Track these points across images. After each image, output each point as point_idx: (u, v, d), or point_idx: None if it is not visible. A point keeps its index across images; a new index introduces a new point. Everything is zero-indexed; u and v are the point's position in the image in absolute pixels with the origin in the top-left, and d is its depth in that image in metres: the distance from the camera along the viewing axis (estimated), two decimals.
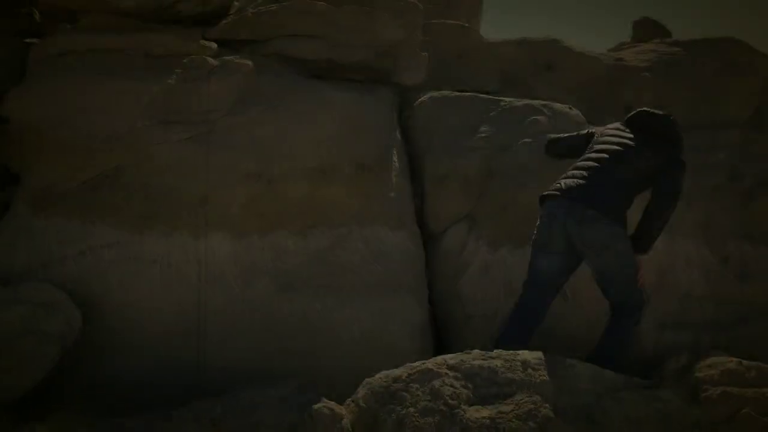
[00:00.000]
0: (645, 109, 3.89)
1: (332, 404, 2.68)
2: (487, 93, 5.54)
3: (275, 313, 3.55)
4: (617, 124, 3.88)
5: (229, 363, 3.41)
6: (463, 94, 4.64)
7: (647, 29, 6.92)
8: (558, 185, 3.66)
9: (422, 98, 4.70)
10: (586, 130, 4.04)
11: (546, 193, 3.69)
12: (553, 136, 4.17)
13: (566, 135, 4.09)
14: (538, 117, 4.45)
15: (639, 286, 3.53)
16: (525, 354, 2.80)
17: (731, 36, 5.53)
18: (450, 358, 2.80)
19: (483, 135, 4.39)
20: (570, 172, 3.70)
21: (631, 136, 3.72)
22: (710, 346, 3.77)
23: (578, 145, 3.92)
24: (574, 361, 2.80)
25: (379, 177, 4.14)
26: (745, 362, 3.45)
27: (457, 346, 3.98)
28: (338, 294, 3.68)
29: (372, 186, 4.08)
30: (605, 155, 3.66)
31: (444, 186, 4.28)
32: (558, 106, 4.57)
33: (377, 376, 2.77)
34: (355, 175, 4.03)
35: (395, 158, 4.36)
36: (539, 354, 2.81)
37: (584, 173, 3.62)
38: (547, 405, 2.52)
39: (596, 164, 3.64)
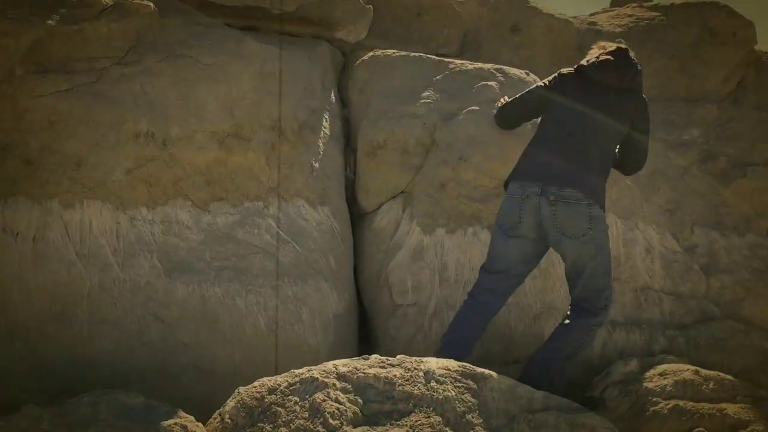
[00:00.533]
0: (620, 47, 3.22)
1: (188, 420, 2.20)
2: (446, 56, 5.05)
3: (163, 297, 3.05)
4: (579, 75, 3.22)
5: (104, 356, 2.91)
6: (409, 54, 4.10)
7: None
8: (529, 159, 3.16)
9: (363, 58, 4.16)
10: (537, 84, 3.45)
11: (517, 168, 3.19)
12: (501, 101, 3.63)
13: (516, 97, 3.50)
14: (490, 83, 3.92)
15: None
16: (431, 363, 2.31)
17: (715, 0, 5.00)
18: (342, 364, 2.32)
19: (426, 101, 3.86)
20: (539, 143, 3.20)
21: (605, 91, 3.15)
22: (665, 350, 3.31)
23: (534, 106, 3.37)
24: (488, 373, 2.33)
25: (304, 144, 3.62)
26: (703, 371, 3.01)
27: (384, 340, 3.52)
28: (243, 278, 3.18)
29: (294, 154, 3.56)
30: (582, 120, 3.12)
31: (378, 157, 3.76)
32: (513, 71, 4.04)
33: (253, 384, 2.29)
34: (275, 140, 3.51)
35: (326, 123, 3.84)
36: (448, 363, 2.33)
37: (559, 144, 3.11)
38: (447, 430, 2.04)
39: (572, 132, 3.11)
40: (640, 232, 3.77)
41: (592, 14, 5.60)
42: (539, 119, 3.35)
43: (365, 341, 3.72)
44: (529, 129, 3.59)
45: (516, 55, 5.06)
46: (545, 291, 3.48)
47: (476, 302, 3.13)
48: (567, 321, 3.03)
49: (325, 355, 3.21)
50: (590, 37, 4.89)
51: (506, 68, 4.07)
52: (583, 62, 3.21)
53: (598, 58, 3.18)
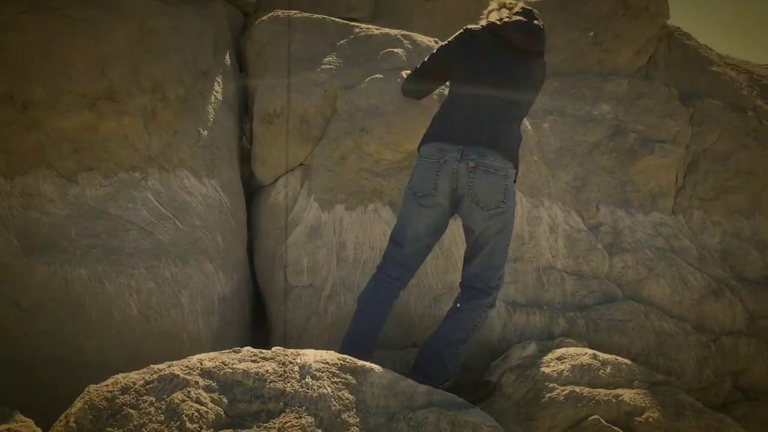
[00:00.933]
0: (526, 7, 3.04)
1: (25, 425, 1.91)
2: (356, 20, 4.79)
3: (20, 279, 2.71)
4: (489, 34, 3.00)
5: None
6: (311, 15, 3.81)
7: None
8: (446, 118, 2.97)
9: (262, 18, 3.85)
10: (441, 44, 3.20)
11: (432, 127, 2.99)
12: (408, 72, 3.42)
13: (422, 61, 3.26)
14: (396, 50, 3.69)
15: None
16: (308, 356, 2.10)
17: None
18: (209, 359, 2.08)
19: (327, 67, 3.60)
20: (455, 102, 3.00)
21: (517, 53, 2.98)
22: (565, 332, 3.23)
23: (443, 68, 3.13)
24: (369, 367, 2.13)
25: (190, 110, 3.31)
26: (601, 355, 2.93)
27: (277, 324, 3.30)
28: (114, 258, 2.86)
29: (178, 121, 3.24)
30: (496, 78, 2.94)
31: (275, 126, 3.48)
32: (421, 38, 3.82)
33: (105, 382, 2.02)
34: (157, 105, 3.17)
35: (218, 88, 3.53)
36: (327, 356, 2.12)
37: (476, 102, 2.93)
38: (319, 431, 1.84)
39: (487, 91, 2.93)
40: (545, 210, 3.66)
41: None
42: (449, 83, 3.15)
43: (264, 326, 3.49)
44: (435, 101, 3.41)
45: (430, 23, 4.85)
46: (447, 271, 3.32)
47: (387, 278, 2.94)
48: (459, 303, 2.87)
49: (209, 342, 2.97)
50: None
51: (414, 35, 3.85)
52: (493, 20, 3.01)
53: (509, 18, 3.00)
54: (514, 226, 3.42)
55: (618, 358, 2.90)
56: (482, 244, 2.89)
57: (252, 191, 3.66)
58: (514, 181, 2.92)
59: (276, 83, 3.54)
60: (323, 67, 3.60)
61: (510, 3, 3.07)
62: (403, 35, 3.81)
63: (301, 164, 3.49)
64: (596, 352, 2.91)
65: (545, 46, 3.06)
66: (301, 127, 3.49)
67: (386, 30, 3.85)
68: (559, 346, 3.01)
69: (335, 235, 3.32)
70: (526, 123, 3.85)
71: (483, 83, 2.96)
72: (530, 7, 3.05)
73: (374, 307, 2.91)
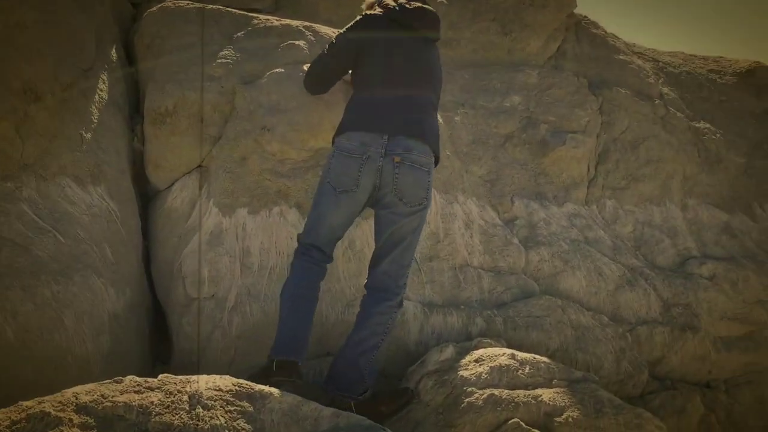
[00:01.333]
0: None
1: None
2: (258, 11, 4.55)
3: None
4: (390, 19, 2.84)
5: None
6: (205, 6, 3.55)
7: None
8: (363, 106, 2.78)
9: (151, 9, 3.56)
10: (339, 32, 3.00)
11: (349, 116, 2.79)
12: (312, 63, 3.20)
13: (322, 52, 3.06)
14: (298, 42, 3.49)
15: None
16: (199, 382, 1.89)
17: None
18: (86, 391, 1.83)
19: (224, 61, 3.36)
20: (368, 87, 2.82)
21: (419, 39, 2.88)
22: (483, 332, 3.12)
23: (345, 57, 2.93)
24: (268, 392, 1.94)
25: (70, 111, 3.00)
26: (519, 355, 2.83)
27: (178, 340, 3.05)
28: None
29: (56, 124, 2.93)
30: (409, 65, 2.80)
31: (168, 126, 3.22)
32: (324, 29, 3.64)
33: None
34: (30, 107, 2.85)
35: (103, 86, 3.23)
36: (220, 382, 1.91)
37: (391, 87, 2.77)
38: None
39: (399, 75, 2.79)
40: (459, 206, 3.55)
41: None
42: (355, 72, 2.96)
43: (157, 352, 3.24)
44: (341, 96, 3.23)
45: (335, 14, 4.65)
46: (359, 275, 3.15)
47: (308, 284, 2.75)
48: (367, 308, 2.72)
49: (99, 366, 2.70)
50: None
51: (317, 26, 3.66)
52: (391, 5, 2.87)
53: (408, 4, 2.87)
54: (429, 223, 3.31)
55: (536, 356, 2.82)
56: (397, 241, 2.76)
57: (146, 197, 3.38)
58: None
59: (168, 79, 3.28)
60: (219, 61, 3.36)
61: None
62: (305, 26, 3.61)
63: (198, 166, 3.25)
64: (515, 352, 2.81)
65: (439, 35, 2.99)
66: (196, 126, 3.24)
67: (287, 21, 3.64)
68: (477, 348, 2.90)
69: (238, 242, 3.10)
70: (438, 116, 3.74)
71: (395, 70, 2.82)
72: None
73: (301, 301, 2.73)
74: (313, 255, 2.79)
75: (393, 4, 2.87)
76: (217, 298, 3.03)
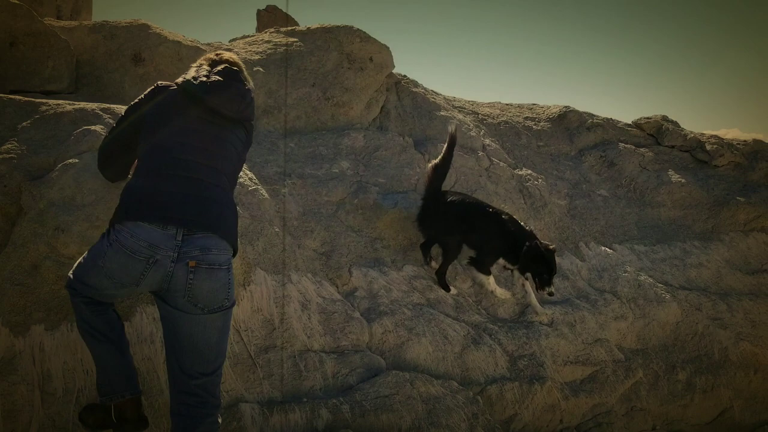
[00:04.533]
0: (230, 67, 2.64)
1: None
2: (57, 93, 4.16)
3: None
4: (184, 93, 2.53)
5: None
6: None
7: (272, 19, 6.11)
8: (146, 191, 2.37)
9: None
10: (129, 105, 2.71)
11: (129, 202, 2.37)
12: (101, 144, 2.83)
13: (110, 131, 2.74)
14: (94, 126, 3.15)
15: None
16: None
17: (349, 24, 4.88)
18: None
19: (7, 156, 2.95)
20: (152, 167, 2.41)
21: (220, 118, 2.56)
22: (330, 425, 2.88)
23: (134, 132, 2.57)
24: None
25: None
26: None
27: None
28: None
29: None
30: (187, 142, 2.45)
31: None
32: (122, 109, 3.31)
33: None
34: None
35: None
36: None
37: (180, 168, 2.40)
38: None
39: (194, 161, 2.43)
40: (293, 286, 3.33)
41: (230, 40, 5.14)
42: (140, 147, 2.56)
43: None
44: None
45: (142, 88, 4.32)
46: None
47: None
48: (187, 419, 2.36)
49: None
50: None
51: (117, 107, 3.34)
52: (189, 77, 2.57)
53: (207, 77, 2.56)
54: (261, 310, 3.06)
55: None
56: (201, 347, 2.37)
57: None
58: None
59: None
60: (1, 157, 2.94)
61: (216, 58, 2.69)
62: (102, 109, 3.28)
63: None
64: None
65: (251, 110, 2.67)
66: None
67: (82, 104, 3.30)
68: None
69: (35, 366, 2.66)
70: (263, 191, 3.52)
71: (186, 149, 2.46)
72: (237, 65, 2.68)
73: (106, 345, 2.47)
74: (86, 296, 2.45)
75: (194, 74, 2.59)
76: None
